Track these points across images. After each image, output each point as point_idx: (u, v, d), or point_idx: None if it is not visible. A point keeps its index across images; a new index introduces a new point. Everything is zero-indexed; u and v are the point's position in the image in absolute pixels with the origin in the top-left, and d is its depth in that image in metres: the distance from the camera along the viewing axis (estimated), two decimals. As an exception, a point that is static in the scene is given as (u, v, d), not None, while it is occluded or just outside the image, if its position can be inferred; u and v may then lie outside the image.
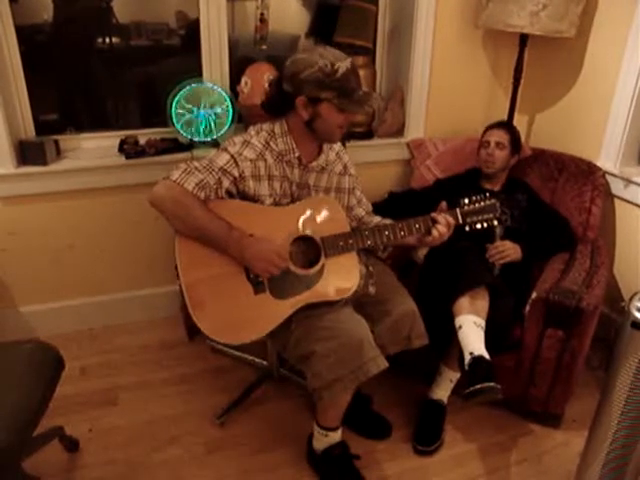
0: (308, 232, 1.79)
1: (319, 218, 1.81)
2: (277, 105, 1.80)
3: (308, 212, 1.80)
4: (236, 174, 1.73)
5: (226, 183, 1.73)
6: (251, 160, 1.75)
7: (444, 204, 1.88)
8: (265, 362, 2.42)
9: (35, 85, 2.64)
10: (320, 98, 1.70)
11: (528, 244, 2.32)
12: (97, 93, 3.81)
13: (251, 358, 2.47)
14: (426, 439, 2.13)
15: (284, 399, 2.32)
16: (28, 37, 3.97)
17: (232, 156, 1.73)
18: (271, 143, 1.79)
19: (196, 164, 1.71)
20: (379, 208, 2.53)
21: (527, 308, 2.11)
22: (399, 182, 2.91)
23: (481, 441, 2.19)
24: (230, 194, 1.77)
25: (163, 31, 4.47)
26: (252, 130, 1.82)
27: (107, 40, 4.07)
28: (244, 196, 1.78)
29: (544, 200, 2.56)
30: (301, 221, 1.79)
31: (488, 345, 2.01)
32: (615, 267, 2.64)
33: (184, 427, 2.17)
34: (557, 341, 2.08)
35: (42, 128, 2.56)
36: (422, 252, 2.42)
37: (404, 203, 2.60)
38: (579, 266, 2.28)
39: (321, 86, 1.67)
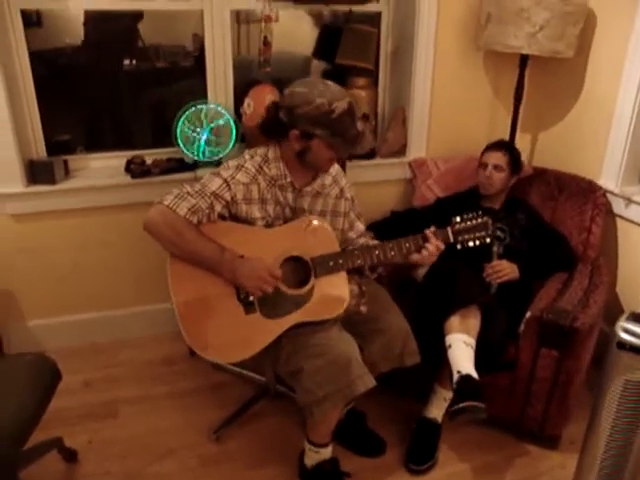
0: (298, 252, 1.83)
1: (309, 239, 1.85)
2: (272, 129, 1.85)
3: (298, 233, 1.85)
4: (228, 198, 1.79)
5: (218, 207, 1.78)
6: (244, 184, 1.80)
7: (433, 227, 1.91)
8: (263, 379, 2.46)
9: (52, 107, 2.74)
10: (313, 134, 1.74)
11: (526, 263, 2.33)
12: (111, 115, 3.94)
13: (250, 374, 2.51)
14: (419, 458, 2.13)
15: (280, 416, 2.34)
16: (50, 60, 4.12)
17: (225, 180, 1.79)
18: (264, 168, 1.84)
19: (188, 189, 1.77)
20: (381, 227, 2.59)
21: (522, 327, 2.12)
22: (401, 201, 2.94)
23: (476, 461, 2.18)
24: (223, 217, 1.82)
25: (180, 54, 4.61)
26: (247, 154, 1.88)
27: (128, 62, 4.21)
28: (237, 218, 1.83)
29: (544, 219, 2.56)
30: (291, 242, 1.83)
31: (481, 364, 2.02)
32: (617, 286, 2.63)
33: (181, 440, 2.21)
34: (552, 361, 2.08)
35: (55, 148, 2.65)
36: (422, 271, 2.43)
37: (406, 222, 2.62)
38: (577, 285, 2.28)
39: (315, 123, 1.72)
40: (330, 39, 2.76)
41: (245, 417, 2.32)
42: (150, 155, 2.70)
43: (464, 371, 1.88)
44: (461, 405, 1.84)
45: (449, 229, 1.92)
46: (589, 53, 2.61)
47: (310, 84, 1.75)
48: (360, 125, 1.78)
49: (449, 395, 2.16)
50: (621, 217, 2.56)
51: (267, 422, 2.32)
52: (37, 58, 2.70)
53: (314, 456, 1.97)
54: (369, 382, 1.76)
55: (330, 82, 1.78)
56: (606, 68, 2.54)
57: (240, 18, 3.74)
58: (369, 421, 2.26)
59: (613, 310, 2.54)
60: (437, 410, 2.20)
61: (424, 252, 1.87)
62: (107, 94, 3.87)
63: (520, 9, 2.39)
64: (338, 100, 1.72)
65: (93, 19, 3.61)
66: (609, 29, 2.51)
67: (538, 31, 2.41)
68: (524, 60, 2.64)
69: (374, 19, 2.85)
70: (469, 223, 1.94)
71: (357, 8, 2.75)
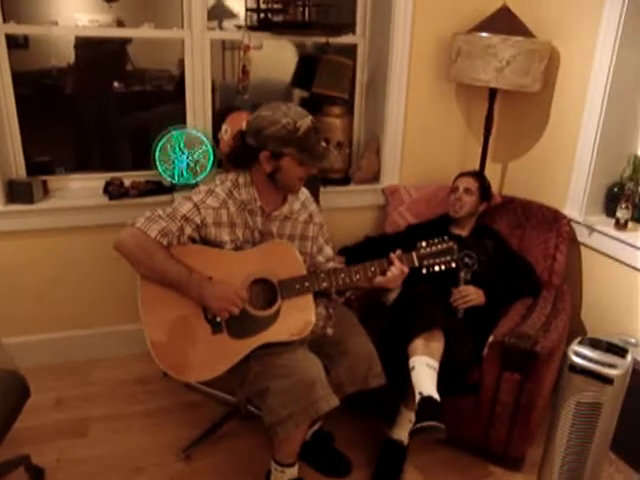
0: (265, 275, 1.89)
1: (276, 262, 1.90)
2: (241, 157, 1.92)
3: (266, 256, 1.91)
4: (198, 221, 1.85)
5: (188, 230, 1.84)
6: (213, 208, 1.87)
7: (399, 250, 1.98)
8: (234, 399, 2.49)
9: (34, 128, 2.80)
10: (282, 153, 1.82)
11: (493, 289, 2.40)
12: (93, 136, 4.01)
13: (221, 395, 2.54)
14: (385, 479, 2.17)
15: (249, 435, 2.37)
16: (35, 81, 4.19)
17: (195, 204, 1.85)
18: (234, 192, 1.91)
19: (160, 212, 1.83)
20: (354, 251, 2.66)
21: (485, 351, 2.18)
22: (374, 227, 3.01)
23: (441, 482, 2.23)
24: (193, 240, 1.87)
25: (164, 78, 4.71)
26: (217, 180, 1.95)
27: (113, 85, 4.30)
28: (207, 241, 1.88)
29: (511, 246, 2.64)
30: (259, 265, 1.89)
31: (446, 386, 2.08)
32: (582, 313, 2.70)
33: (150, 459, 2.23)
34: (514, 384, 2.13)
35: (35, 169, 2.70)
36: (392, 295, 2.50)
37: (377, 247, 2.68)
38: (540, 311, 2.35)
39: (284, 142, 1.80)
40: (307, 69, 2.85)
41: (215, 436, 2.35)
42: (129, 177, 2.76)
43: (425, 392, 1.94)
44: (423, 425, 1.89)
45: (414, 253, 1.98)
46: (554, 88, 2.72)
47: (273, 107, 1.83)
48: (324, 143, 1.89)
49: (414, 415, 2.20)
50: (585, 245, 2.64)
51: (236, 442, 2.35)
52: (22, 79, 2.77)
53: (280, 476, 2.00)
54: (332, 402, 1.80)
55: (291, 104, 1.87)
56: (570, 102, 2.64)
57: (226, 45, 3.86)
58: (336, 442, 2.30)
59: (578, 335, 2.61)
60: (403, 431, 2.24)
61: (389, 274, 1.93)
62: (90, 116, 3.95)
63: (488, 45, 2.51)
64: (301, 119, 1.81)
65: (84, 42, 3.71)
66: (572, 66, 2.63)
67: (505, 66, 2.52)
68: (493, 93, 2.75)
69: (350, 50, 2.96)
70: (434, 248, 2.00)
71: (334, 40, 2.85)
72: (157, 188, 2.70)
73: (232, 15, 4.21)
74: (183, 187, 2.70)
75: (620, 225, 2.46)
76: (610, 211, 2.58)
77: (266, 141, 1.81)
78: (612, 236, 2.48)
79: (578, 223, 2.63)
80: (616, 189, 2.55)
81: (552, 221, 2.63)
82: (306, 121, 1.81)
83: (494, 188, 2.77)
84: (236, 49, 3.29)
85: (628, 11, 2.34)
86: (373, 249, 2.65)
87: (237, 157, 1.93)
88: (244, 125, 1.90)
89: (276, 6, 2.78)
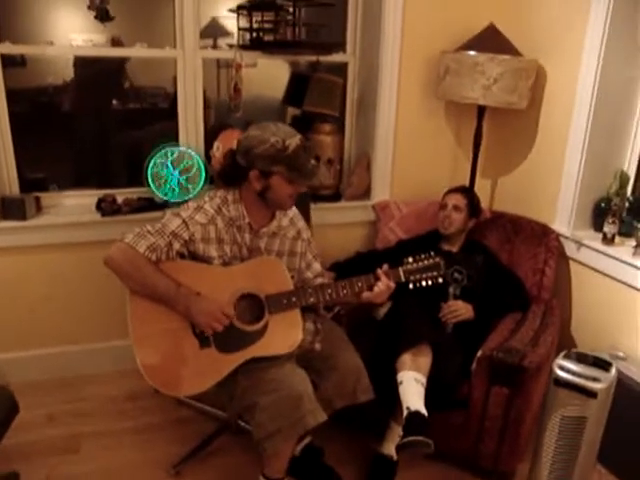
0: (253, 290, 1.90)
1: (264, 277, 1.92)
2: (231, 176, 1.95)
3: (254, 271, 1.93)
4: (186, 237, 1.87)
5: (177, 245, 1.87)
6: (202, 224, 1.89)
7: (386, 265, 1.99)
8: (225, 414, 2.49)
9: (29, 144, 2.83)
10: (272, 171, 1.85)
11: (482, 304, 2.41)
12: (87, 154, 4.04)
13: (212, 410, 2.54)
14: (374, 494, 2.18)
15: (239, 451, 2.37)
16: (31, 99, 4.24)
17: (184, 220, 1.88)
18: (223, 209, 1.94)
19: (149, 228, 1.86)
20: (344, 267, 2.68)
21: (474, 365, 2.19)
22: (366, 242, 3.03)
23: (431, 497, 2.23)
24: (182, 255, 1.90)
25: (160, 95, 4.76)
26: (206, 196, 1.97)
27: (109, 103, 4.34)
28: (195, 257, 1.91)
29: (501, 261, 2.66)
30: (247, 280, 1.91)
31: (435, 401, 2.09)
32: (572, 327, 2.72)
33: (140, 476, 2.23)
34: (503, 398, 2.14)
35: (29, 185, 2.73)
36: (383, 310, 2.51)
37: (367, 262, 2.70)
38: (528, 325, 2.37)
39: (273, 161, 1.83)
40: (299, 87, 2.89)
41: (205, 453, 2.35)
42: (122, 194, 2.79)
43: (413, 407, 1.95)
44: (410, 439, 1.89)
45: (400, 268, 2.00)
46: (541, 104, 2.76)
47: (262, 127, 1.86)
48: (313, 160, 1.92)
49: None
50: (574, 260, 2.67)
51: (227, 458, 2.35)
52: (18, 96, 2.80)
53: (268, 491, 2.01)
54: (320, 417, 1.81)
55: (280, 124, 1.90)
56: (557, 119, 2.68)
57: (220, 62, 3.90)
58: (327, 457, 2.29)
59: (567, 349, 2.62)
60: (392, 446, 2.24)
61: (375, 289, 1.95)
62: (85, 133, 3.98)
63: (475, 63, 2.55)
64: (290, 138, 1.84)
65: (83, 60, 3.75)
66: (558, 83, 2.67)
67: (492, 84, 2.55)
68: (482, 110, 2.79)
69: (341, 68, 3.01)
70: (420, 263, 2.02)
71: (325, 58, 2.90)
72: (149, 205, 2.72)
73: (227, 33, 4.28)
74: (175, 204, 2.72)
75: (607, 240, 2.49)
76: (597, 226, 2.61)
77: (255, 160, 1.84)
78: (600, 251, 2.50)
79: (566, 238, 2.66)
80: (603, 204, 2.58)
81: (541, 236, 2.65)
82: (295, 140, 1.84)
83: (484, 203, 2.80)
84: (231, 66, 3.33)
85: (611, 30, 2.39)
86: (363, 265, 2.68)
87: (228, 176, 1.96)
88: (235, 144, 1.93)
89: (267, 25, 2.82)
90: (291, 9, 2.75)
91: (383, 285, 1.94)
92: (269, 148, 1.82)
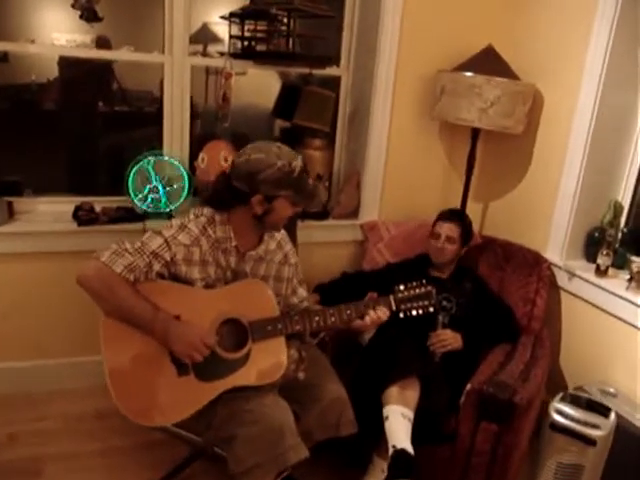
0: (236, 315, 1.80)
1: (248, 301, 1.82)
2: (226, 201, 1.84)
3: (238, 295, 1.82)
4: (168, 258, 1.76)
5: (157, 266, 1.75)
6: (185, 245, 1.78)
7: (374, 295, 1.91)
8: (200, 439, 2.37)
9: (5, 144, 2.69)
10: (278, 195, 1.76)
11: (471, 333, 2.34)
12: (66, 157, 3.89)
13: (186, 434, 2.41)
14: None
15: (214, 479, 2.25)
16: (11, 97, 4.08)
17: (166, 240, 1.76)
18: (209, 229, 1.82)
19: (127, 246, 1.73)
20: (330, 288, 2.58)
21: (462, 399, 2.11)
22: (352, 262, 2.94)
23: (414, 535, 2.13)
24: (162, 276, 1.78)
25: (146, 99, 4.62)
26: (192, 214, 1.86)
27: (93, 104, 4.20)
28: (176, 278, 1.79)
29: (491, 289, 2.59)
30: (230, 304, 1.80)
31: (421, 434, 2.00)
32: (561, 358, 2.65)
33: (107, 504, 2.11)
34: (491, 434, 2.06)
35: (2, 188, 2.57)
36: (367, 336, 2.42)
37: (354, 284, 2.62)
38: (518, 358, 2.29)
39: (280, 185, 1.75)
40: (289, 99, 2.80)
41: (179, 479, 2.22)
42: (100, 202, 2.66)
43: (399, 445, 1.86)
44: (392, 481, 1.80)
45: (392, 297, 1.92)
46: (537, 130, 2.71)
47: (264, 149, 1.76)
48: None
49: (386, 466, 2.11)
50: (565, 290, 2.61)
51: (199, 486, 2.23)
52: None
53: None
54: (302, 453, 1.72)
55: (279, 144, 1.82)
56: (552, 145, 2.63)
57: (210, 70, 3.80)
58: (305, 490, 2.19)
59: (556, 381, 2.57)
60: (374, 481, 2.15)
61: (367, 319, 1.87)
62: (66, 135, 3.84)
63: (472, 85, 2.49)
64: (294, 159, 1.77)
65: (67, 59, 3.62)
66: (555, 109, 2.63)
67: (489, 107, 2.49)
68: (476, 133, 2.73)
69: (334, 82, 2.92)
70: (412, 292, 1.94)
71: (318, 71, 2.82)
72: (128, 215, 2.60)
73: (217, 40, 4.17)
74: (155, 215, 2.60)
75: (601, 272, 2.44)
76: (590, 256, 2.56)
77: (260, 185, 1.74)
78: (592, 282, 2.45)
79: (559, 268, 2.60)
80: (596, 234, 2.53)
81: (533, 264, 2.58)
82: (299, 161, 1.78)
83: (474, 227, 2.72)
84: (221, 74, 3.24)
85: (612, 56, 2.36)
86: (349, 287, 2.59)
87: (221, 201, 1.84)
88: (225, 165, 1.83)
89: (260, 35, 2.73)
90: (285, 19, 2.66)
91: (374, 315, 1.86)
92: (276, 172, 1.73)
